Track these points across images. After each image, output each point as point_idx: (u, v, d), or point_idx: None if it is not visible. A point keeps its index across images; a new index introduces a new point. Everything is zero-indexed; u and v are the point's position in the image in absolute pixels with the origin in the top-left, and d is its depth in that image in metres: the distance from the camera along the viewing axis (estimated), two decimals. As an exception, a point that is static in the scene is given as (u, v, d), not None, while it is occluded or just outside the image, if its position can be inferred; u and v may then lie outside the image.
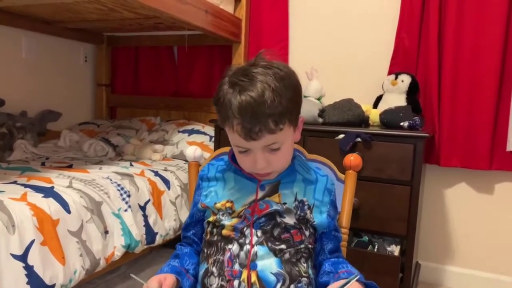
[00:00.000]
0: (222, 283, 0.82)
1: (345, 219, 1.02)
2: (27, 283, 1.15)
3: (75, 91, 2.72)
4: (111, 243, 1.48)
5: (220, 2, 2.11)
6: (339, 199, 1.01)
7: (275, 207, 0.85)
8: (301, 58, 2.23)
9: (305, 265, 0.86)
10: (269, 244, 0.83)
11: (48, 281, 1.20)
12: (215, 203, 0.88)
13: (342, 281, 0.75)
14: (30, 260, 1.16)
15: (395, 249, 1.66)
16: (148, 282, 0.80)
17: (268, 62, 0.80)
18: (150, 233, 1.65)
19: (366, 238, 1.73)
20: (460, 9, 1.85)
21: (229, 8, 2.21)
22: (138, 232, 1.57)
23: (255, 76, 0.76)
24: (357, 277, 0.75)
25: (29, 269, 1.16)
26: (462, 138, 1.88)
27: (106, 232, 1.47)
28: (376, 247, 1.68)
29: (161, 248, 1.89)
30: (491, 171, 1.88)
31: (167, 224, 1.76)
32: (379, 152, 1.60)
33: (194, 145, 2.14)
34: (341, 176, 1.05)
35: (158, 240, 1.70)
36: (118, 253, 1.50)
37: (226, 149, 1.01)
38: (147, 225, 1.65)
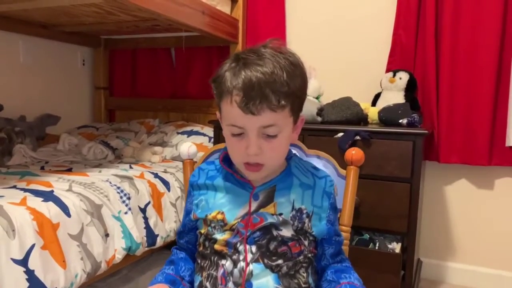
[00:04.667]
0: None
1: (347, 216, 0.98)
2: (28, 287, 1.15)
3: (73, 95, 2.72)
4: (111, 246, 1.48)
5: (217, 3, 2.11)
6: (340, 196, 0.98)
7: (270, 220, 0.78)
8: (298, 57, 2.23)
9: (304, 275, 0.81)
10: (265, 261, 0.77)
11: (49, 285, 1.20)
12: (206, 215, 0.82)
13: None
14: (31, 265, 1.16)
15: (396, 247, 1.66)
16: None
17: (278, 47, 0.76)
18: (150, 235, 1.65)
19: (367, 236, 1.73)
20: (456, 4, 1.85)
21: (225, 9, 2.21)
22: (138, 235, 1.57)
23: (264, 54, 0.72)
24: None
25: (30, 274, 1.15)
26: (461, 134, 1.88)
27: (107, 235, 1.47)
28: (377, 244, 1.68)
29: (162, 250, 1.89)
30: (491, 166, 1.88)
31: (167, 226, 1.76)
32: (378, 150, 1.61)
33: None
34: (342, 171, 1.01)
35: (159, 242, 1.70)
36: (119, 256, 1.50)
37: (222, 145, 0.94)
38: (147, 227, 1.64)
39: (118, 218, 1.52)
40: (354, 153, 0.96)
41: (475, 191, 1.98)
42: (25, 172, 1.69)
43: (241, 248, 0.78)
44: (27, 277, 1.14)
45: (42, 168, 1.83)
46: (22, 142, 2.11)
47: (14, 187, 1.43)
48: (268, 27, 2.27)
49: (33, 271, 1.16)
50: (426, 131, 1.56)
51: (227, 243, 0.79)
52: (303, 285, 0.81)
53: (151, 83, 2.73)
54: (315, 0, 2.21)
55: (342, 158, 1.01)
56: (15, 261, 1.13)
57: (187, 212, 0.89)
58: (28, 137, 2.15)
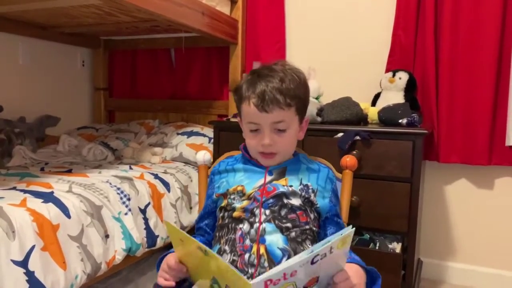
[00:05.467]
0: (234, 258, 0.88)
1: (344, 213, 1.08)
2: (29, 289, 1.14)
3: (73, 96, 2.72)
4: (112, 247, 1.48)
5: (216, 3, 2.11)
6: None
7: (281, 189, 0.93)
8: (298, 58, 2.23)
9: (309, 246, 0.91)
10: (276, 222, 0.90)
11: (49, 287, 1.20)
12: (227, 189, 0.97)
13: (338, 235, 0.77)
14: (31, 266, 1.16)
15: (396, 246, 1.66)
16: (167, 259, 0.90)
17: (286, 64, 0.96)
18: (151, 236, 1.65)
19: (367, 236, 1.73)
20: (455, 4, 1.85)
21: (225, 9, 2.21)
22: (138, 236, 1.57)
23: (275, 69, 0.93)
24: (353, 229, 0.76)
25: (30, 275, 1.15)
26: (461, 134, 1.88)
27: (107, 236, 1.47)
28: (378, 244, 1.68)
29: (162, 251, 1.89)
30: (491, 166, 1.88)
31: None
32: (378, 150, 1.60)
33: (193, 147, 2.16)
34: (339, 175, 1.11)
35: (159, 243, 1.70)
36: (119, 257, 1.50)
37: (234, 152, 1.11)
38: (147, 228, 1.64)
39: (118, 219, 1.52)
40: (349, 160, 1.09)
41: (475, 191, 1.98)
42: (25, 173, 1.69)
43: (257, 212, 0.91)
44: (27, 278, 1.14)
45: (42, 169, 1.83)
46: (22, 144, 2.11)
47: (14, 188, 1.43)
48: (268, 28, 2.27)
49: (33, 272, 1.16)
50: (425, 131, 1.56)
51: (245, 210, 0.92)
52: None
53: (151, 84, 2.73)
54: (315, 1, 2.21)
55: (341, 159, 1.10)
56: (15, 262, 1.13)
57: (208, 196, 1.04)
58: (27, 138, 2.15)
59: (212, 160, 1.19)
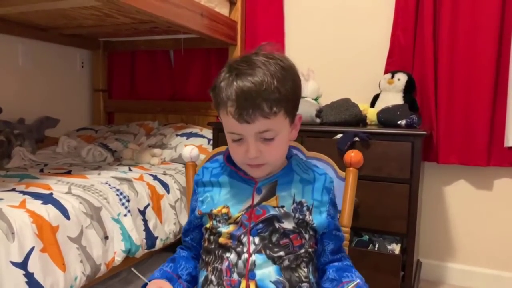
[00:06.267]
0: None
1: (346, 217, 1.00)
2: (28, 290, 1.14)
3: (72, 97, 2.72)
4: (111, 249, 1.48)
5: (215, 5, 2.11)
6: (340, 197, 1.00)
7: (272, 212, 0.82)
8: (297, 59, 2.19)
9: (305, 269, 0.84)
10: (267, 252, 0.81)
11: (49, 288, 1.20)
12: (211, 210, 0.86)
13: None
14: (30, 268, 1.16)
15: (395, 248, 1.66)
16: (149, 286, 0.82)
17: (269, 52, 0.80)
18: (150, 238, 1.65)
19: (366, 237, 1.73)
20: (454, 5, 1.85)
21: (224, 11, 2.21)
22: (138, 237, 1.57)
23: (255, 62, 0.76)
24: (358, 282, 0.74)
25: (29, 277, 1.15)
26: (459, 135, 1.88)
27: (106, 237, 1.46)
28: (377, 246, 1.68)
29: (161, 252, 1.89)
30: (490, 167, 1.89)
31: (167, 228, 1.76)
32: (377, 151, 1.61)
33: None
34: (342, 173, 1.03)
35: (159, 244, 1.70)
36: (119, 258, 1.49)
37: (222, 148, 0.99)
38: (147, 229, 1.64)
39: (117, 221, 1.52)
40: (353, 155, 0.98)
41: (474, 192, 1.98)
42: (24, 174, 1.69)
43: (244, 240, 0.81)
44: (26, 280, 1.14)
45: (41, 170, 1.83)
46: (21, 145, 2.10)
47: (13, 189, 1.43)
48: (267, 29, 2.27)
49: (32, 274, 1.16)
50: (424, 132, 1.56)
51: (231, 236, 0.82)
52: (304, 280, 0.83)
53: (150, 85, 2.73)
54: (314, 2, 2.22)
55: (341, 160, 1.03)
56: (15, 264, 1.13)
57: (192, 210, 0.92)
58: (27, 139, 2.15)
59: (199, 156, 1.09)
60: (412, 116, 1.65)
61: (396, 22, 1.98)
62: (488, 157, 1.85)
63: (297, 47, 2.26)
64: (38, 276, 1.17)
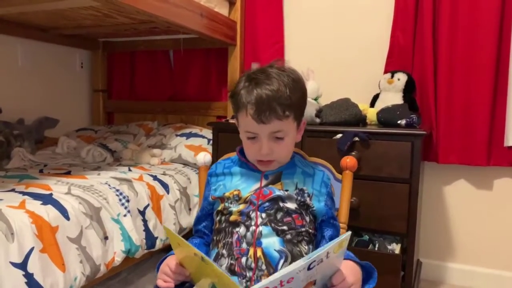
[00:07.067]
0: (232, 261, 0.89)
1: (343, 215, 1.07)
2: (28, 291, 1.14)
3: (71, 98, 2.72)
4: (111, 249, 1.48)
5: (215, 5, 2.11)
6: (337, 197, 1.08)
7: (277, 193, 0.94)
8: (297, 59, 2.23)
9: (306, 247, 0.92)
10: (273, 225, 0.91)
11: (48, 289, 1.20)
12: (224, 193, 0.97)
13: (334, 241, 0.77)
14: (30, 268, 1.16)
15: (395, 248, 1.66)
16: (167, 261, 0.93)
17: (281, 66, 0.95)
18: (150, 238, 1.65)
19: (366, 237, 1.73)
20: (453, 5, 1.85)
21: (223, 11, 2.21)
22: (138, 237, 1.57)
23: (271, 74, 0.91)
24: (349, 233, 0.79)
25: (29, 277, 1.15)
26: (459, 134, 1.88)
27: (106, 237, 1.46)
28: (377, 246, 1.68)
29: (161, 252, 1.89)
30: (489, 167, 1.88)
31: (167, 228, 1.76)
32: (377, 151, 1.61)
33: (192, 148, 2.16)
34: (339, 176, 1.12)
35: (158, 244, 1.70)
36: (118, 259, 1.49)
37: (231, 154, 1.10)
38: (146, 229, 1.64)
39: (117, 221, 1.52)
40: (349, 161, 1.09)
41: (474, 192, 1.98)
42: (24, 175, 1.69)
43: (253, 215, 0.92)
44: (26, 280, 1.14)
45: (41, 171, 1.83)
46: (21, 145, 2.11)
47: (13, 190, 1.43)
48: (266, 29, 2.27)
49: (32, 274, 1.16)
50: (424, 132, 1.56)
51: (241, 213, 0.93)
52: (305, 255, 0.89)
53: (150, 86, 2.73)
54: (313, 2, 2.22)
55: (341, 160, 1.09)
56: (14, 264, 1.13)
57: (205, 198, 1.04)
58: (26, 140, 2.15)
59: (211, 161, 1.19)
60: (412, 116, 1.65)
61: (395, 22, 1.98)
62: (488, 157, 1.85)
63: (297, 47, 2.26)
64: (37, 277, 1.17)
